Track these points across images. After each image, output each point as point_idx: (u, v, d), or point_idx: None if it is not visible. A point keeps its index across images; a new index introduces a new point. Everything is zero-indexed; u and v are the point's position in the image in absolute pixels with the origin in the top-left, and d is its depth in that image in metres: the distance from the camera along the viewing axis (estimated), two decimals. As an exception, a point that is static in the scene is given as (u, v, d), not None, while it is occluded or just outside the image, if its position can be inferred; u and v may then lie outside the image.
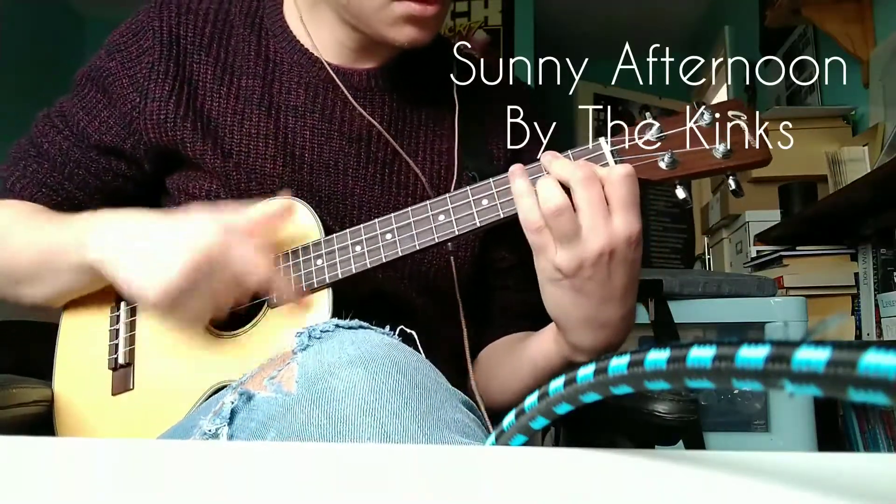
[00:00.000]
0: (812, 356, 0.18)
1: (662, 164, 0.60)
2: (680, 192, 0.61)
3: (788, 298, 1.61)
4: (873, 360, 0.16)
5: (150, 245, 0.58)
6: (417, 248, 0.62)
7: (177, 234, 0.58)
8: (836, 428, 1.77)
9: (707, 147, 0.60)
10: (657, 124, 0.61)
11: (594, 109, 4.03)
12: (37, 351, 0.73)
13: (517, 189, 0.59)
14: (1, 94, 3.15)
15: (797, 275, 1.90)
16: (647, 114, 4.11)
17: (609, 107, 4.06)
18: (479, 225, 0.61)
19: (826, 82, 2.31)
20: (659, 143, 0.60)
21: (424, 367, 0.48)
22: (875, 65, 1.91)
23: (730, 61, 3.38)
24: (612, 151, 0.61)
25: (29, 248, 0.68)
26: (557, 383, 0.26)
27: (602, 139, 0.61)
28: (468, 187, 0.63)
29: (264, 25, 0.77)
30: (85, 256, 0.63)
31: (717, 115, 0.60)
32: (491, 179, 0.62)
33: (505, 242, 0.79)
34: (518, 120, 0.77)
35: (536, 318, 0.81)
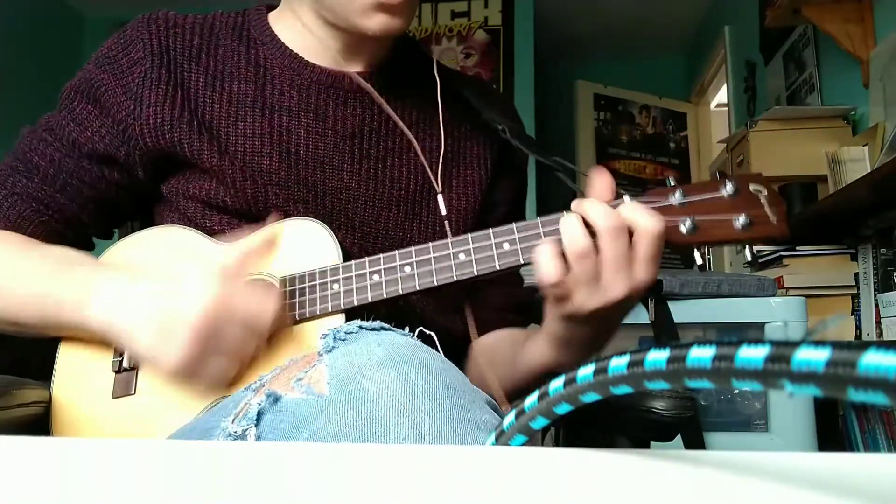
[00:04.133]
0: (812, 356, 0.18)
1: (683, 229, 0.61)
2: (697, 258, 0.63)
3: (788, 298, 1.61)
4: (873, 360, 0.16)
5: (154, 317, 0.58)
6: (435, 283, 0.63)
7: (176, 300, 0.58)
8: (836, 428, 1.77)
9: (728, 217, 0.61)
10: (681, 189, 0.62)
11: (594, 109, 4.04)
12: (37, 352, 0.73)
13: (538, 250, 0.60)
14: (0, 94, 3.15)
15: (797, 275, 1.90)
16: (647, 113, 4.11)
17: (609, 107, 4.07)
18: (498, 268, 0.62)
19: (826, 82, 2.31)
20: (681, 209, 0.62)
21: (450, 367, 0.48)
22: (875, 65, 1.91)
23: (730, 61, 3.38)
24: None
25: (29, 298, 0.67)
26: (557, 383, 0.26)
27: (626, 196, 0.62)
28: (491, 230, 0.63)
29: (251, 35, 0.79)
30: (86, 324, 0.63)
31: (740, 188, 0.62)
32: (514, 224, 0.63)
33: None
34: (507, 134, 0.81)
35: (522, 310, 0.82)
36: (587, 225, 0.58)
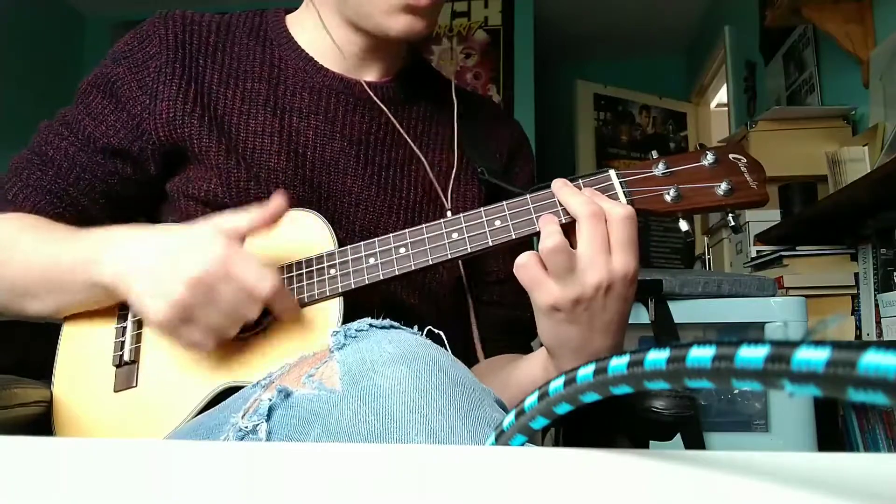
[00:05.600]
0: (812, 356, 0.18)
1: (667, 198, 0.63)
2: (683, 225, 0.65)
3: (788, 298, 1.61)
4: (873, 360, 0.16)
5: (155, 265, 0.59)
6: (430, 262, 0.64)
7: (179, 252, 0.59)
8: (836, 428, 1.77)
9: (710, 185, 0.64)
10: (664, 160, 0.64)
11: (594, 109, 4.04)
12: (37, 351, 0.73)
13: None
14: (1, 93, 3.15)
15: (797, 275, 1.90)
16: (647, 113, 4.11)
17: (609, 107, 4.07)
18: (491, 245, 0.63)
19: (826, 82, 2.31)
20: (665, 179, 0.64)
21: (460, 365, 0.49)
22: (875, 65, 1.91)
23: (730, 61, 3.38)
24: (620, 183, 0.64)
25: (37, 263, 0.67)
26: (557, 383, 0.26)
27: (612, 170, 0.65)
28: (482, 209, 0.64)
29: (268, 36, 0.80)
30: (98, 274, 0.63)
31: (720, 157, 0.65)
32: (504, 202, 0.64)
33: (495, 256, 0.82)
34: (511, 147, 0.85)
35: (522, 333, 0.82)
36: (566, 212, 0.61)
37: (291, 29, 0.81)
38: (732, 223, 0.66)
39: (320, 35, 0.79)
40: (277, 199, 0.63)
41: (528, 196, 0.63)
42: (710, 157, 0.64)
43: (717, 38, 3.49)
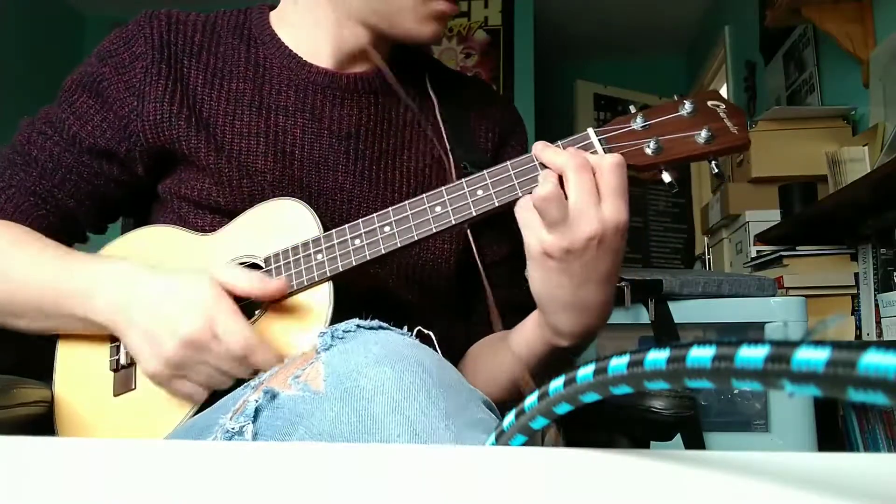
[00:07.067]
0: (812, 356, 0.18)
1: (648, 150, 0.62)
2: (666, 177, 0.64)
3: (788, 298, 1.61)
4: (873, 360, 0.16)
5: (150, 316, 0.61)
6: (416, 238, 0.64)
7: (173, 305, 0.60)
8: (836, 428, 1.77)
9: (690, 133, 0.63)
10: (642, 114, 0.64)
11: (594, 109, 4.04)
12: (37, 351, 0.73)
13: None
14: (1, 93, 3.15)
15: (797, 275, 1.90)
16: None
17: (609, 107, 4.07)
18: (474, 214, 0.63)
19: (826, 82, 2.31)
20: (644, 132, 0.63)
21: (447, 367, 0.49)
22: (875, 65, 1.91)
23: (730, 61, 3.38)
24: (599, 140, 0.63)
25: (26, 287, 0.67)
26: (557, 383, 0.26)
27: (590, 129, 0.64)
28: (463, 179, 0.64)
29: (252, 35, 0.79)
30: (91, 312, 0.64)
31: (698, 105, 0.64)
32: (485, 171, 0.64)
33: (490, 239, 0.82)
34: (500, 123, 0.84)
35: (517, 314, 0.82)
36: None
37: (275, 25, 0.79)
38: (716, 170, 0.65)
39: (305, 30, 0.77)
40: (281, 283, 0.63)
41: (508, 163, 0.63)
42: (687, 107, 0.63)
43: (717, 38, 3.49)
